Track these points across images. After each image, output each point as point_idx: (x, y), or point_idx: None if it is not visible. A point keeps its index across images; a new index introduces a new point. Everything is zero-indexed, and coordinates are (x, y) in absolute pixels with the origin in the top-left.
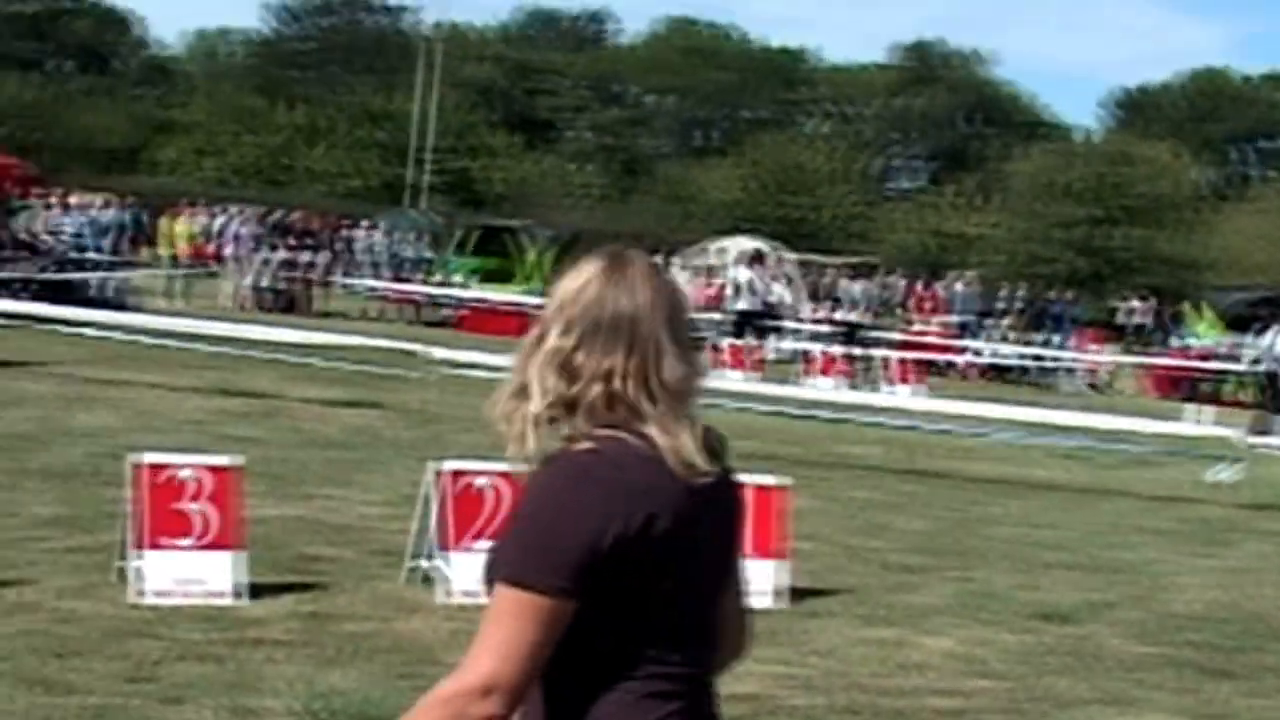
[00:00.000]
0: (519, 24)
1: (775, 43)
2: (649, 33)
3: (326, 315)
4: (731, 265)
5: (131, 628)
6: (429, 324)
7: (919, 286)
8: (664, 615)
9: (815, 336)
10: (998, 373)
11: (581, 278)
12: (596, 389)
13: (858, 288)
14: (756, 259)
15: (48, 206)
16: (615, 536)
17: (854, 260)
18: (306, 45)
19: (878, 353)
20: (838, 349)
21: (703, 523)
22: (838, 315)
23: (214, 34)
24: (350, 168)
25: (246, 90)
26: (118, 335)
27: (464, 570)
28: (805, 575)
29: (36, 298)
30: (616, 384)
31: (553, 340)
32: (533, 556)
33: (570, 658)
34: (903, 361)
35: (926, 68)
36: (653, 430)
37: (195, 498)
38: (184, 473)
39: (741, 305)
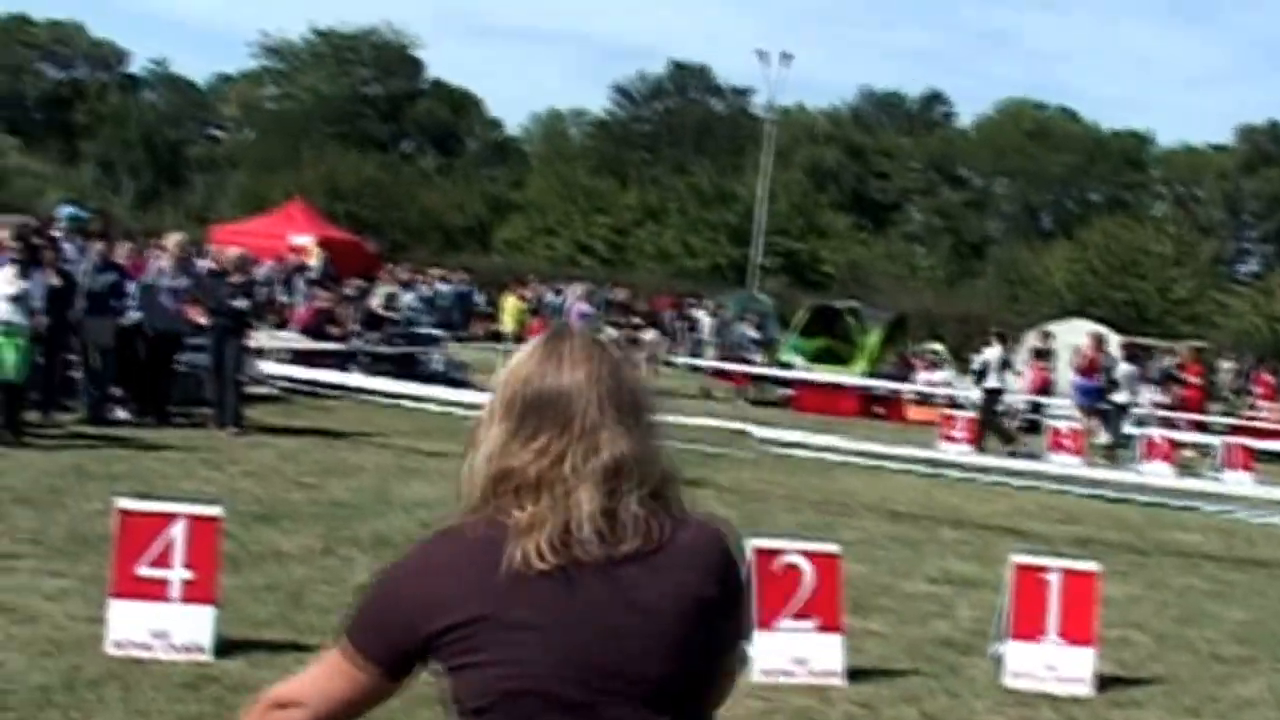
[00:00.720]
0: (857, 106)
1: (1114, 125)
2: (987, 115)
3: (659, 394)
4: (990, 346)
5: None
6: (761, 403)
7: (1260, 371)
8: (513, 705)
9: (1145, 421)
10: None
11: (519, 358)
12: (523, 470)
13: (1127, 368)
14: (1000, 338)
15: (403, 285)
16: (411, 617)
17: (1186, 345)
18: (647, 127)
19: (1212, 439)
20: (1172, 434)
21: (561, 612)
22: (1114, 396)
23: (557, 116)
24: (689, 248)
25: (587, 171)
26: (451, 409)
27: (769, 649)
28: (1118, 663)
29: (376, 371)
30: (527, 461)
31: (494, 425)
32: (357, 613)
33: None
34: (1236, 447)
35: (1268, 149)
36: (522, 513)
37: None
38: None
39: (990, 383)
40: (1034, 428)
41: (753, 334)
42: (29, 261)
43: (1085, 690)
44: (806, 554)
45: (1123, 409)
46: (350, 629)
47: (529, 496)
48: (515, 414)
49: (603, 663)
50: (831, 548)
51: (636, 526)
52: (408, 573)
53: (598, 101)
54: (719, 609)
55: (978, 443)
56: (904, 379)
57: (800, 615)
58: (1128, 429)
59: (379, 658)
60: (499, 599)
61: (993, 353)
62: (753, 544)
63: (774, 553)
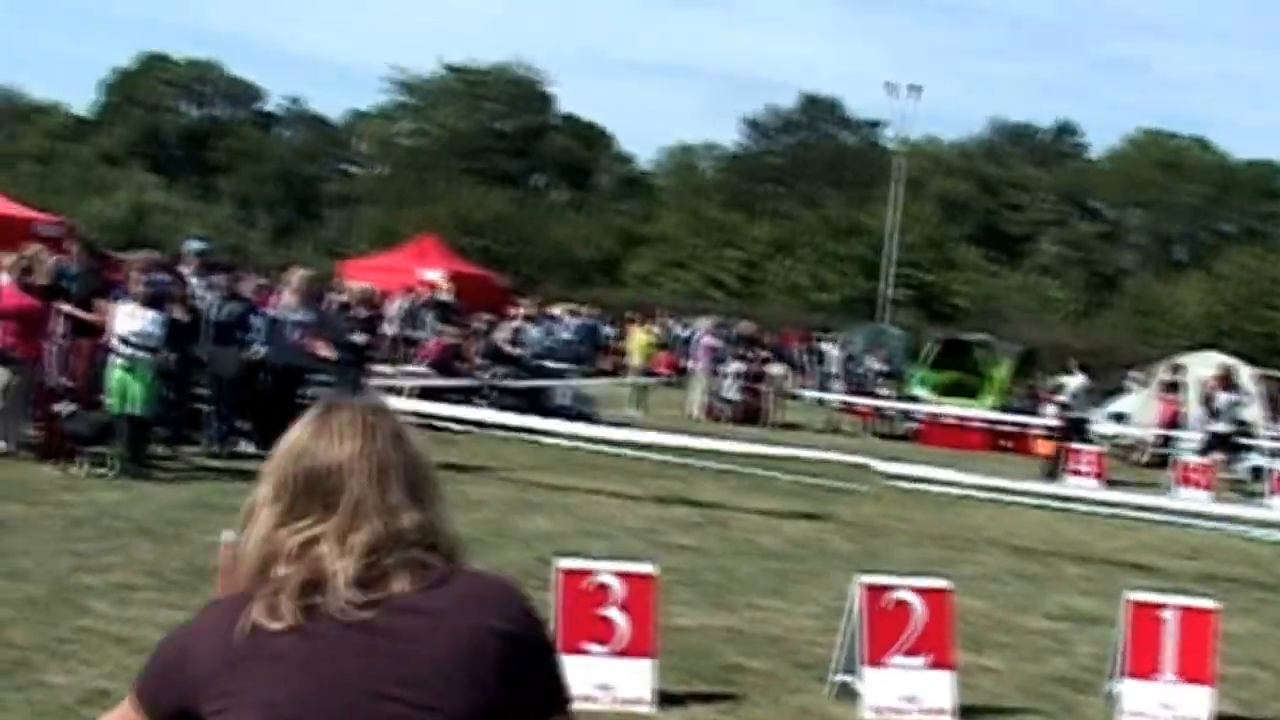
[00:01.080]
0: (988, 138)
1: (1248, 155)
2: (1119, 146)
3: (786, 427)
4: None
5: None
6: (888, 437)
7: None
8: None
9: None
10: None
11: (292, 433)
12: (286, 546)
13: (1225, 397)
14: (1083, 368)
15: (529, 319)
16: (172, 680)
17: None
18: (778, 160)
19: None
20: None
21: (311, 653)
22: (1215, 426)
23: (687, 149)
24: (820, 280)
25: (718, 204)
26: (576, 443)
27: (879, 686)
28: (1239, 702)
29: (502, 405)
30: (292, 539)
31: (266, 505)
32: (142, 670)
33: None
34: None
35: None
36: (276, 578)
37: (612, 605)
38: (601, 579)
39: (1073, 412)
40: (1163, 462)
41: (880, 367)
42: (152, 296)
43: None
44: (917, 590)
45: (1224, 439)
46: (136, 682)
47: (288, 567)
48: (286, 492)
49: (372, 695)
50: (942, 584)
51: (404, 578)
52: (175, 638)
53: (728, 135)
54: (515, 645)
55: (1104, 477)
56: (1034, 413)
57: (911, 652)
58: (1255, 461)
59: (153, 714)
60: (244, 651)
61: (1073, 380)
62: (861, 581)
63: (882, 589)
